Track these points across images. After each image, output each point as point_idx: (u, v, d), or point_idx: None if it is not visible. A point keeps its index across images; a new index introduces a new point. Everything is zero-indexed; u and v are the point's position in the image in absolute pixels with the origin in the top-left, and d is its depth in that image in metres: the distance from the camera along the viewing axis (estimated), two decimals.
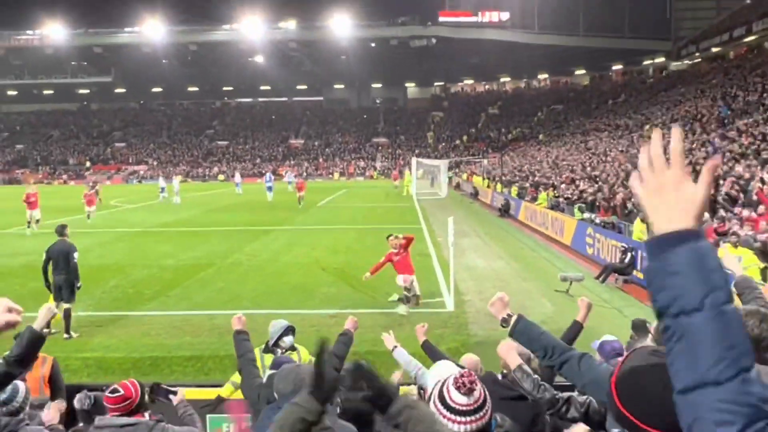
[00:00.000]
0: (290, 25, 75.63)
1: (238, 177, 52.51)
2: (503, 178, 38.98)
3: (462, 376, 2.05)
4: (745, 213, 12.16)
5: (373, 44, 77.27)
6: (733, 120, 27.00)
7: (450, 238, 11.22)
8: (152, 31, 72.63)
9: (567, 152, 43.81)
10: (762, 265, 10.03)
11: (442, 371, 3.70)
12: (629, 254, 13.87)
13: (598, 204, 19.88)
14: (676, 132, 1.12)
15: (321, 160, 78.89)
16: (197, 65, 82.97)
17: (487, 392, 2.08)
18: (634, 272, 13.71)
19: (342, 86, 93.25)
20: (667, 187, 1.10)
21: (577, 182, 25.65)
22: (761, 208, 12.46)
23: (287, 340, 5.60)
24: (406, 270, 11.66)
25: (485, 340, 9.50)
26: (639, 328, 6.14)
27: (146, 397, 3.75)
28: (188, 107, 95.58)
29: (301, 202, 33.14)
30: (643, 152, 1.16)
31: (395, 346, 5.22)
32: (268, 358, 5.20)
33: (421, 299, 11.85)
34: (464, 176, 52.50)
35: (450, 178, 47.92)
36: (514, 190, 31.80)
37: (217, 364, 8.64)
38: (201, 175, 74.16)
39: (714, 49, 55.32)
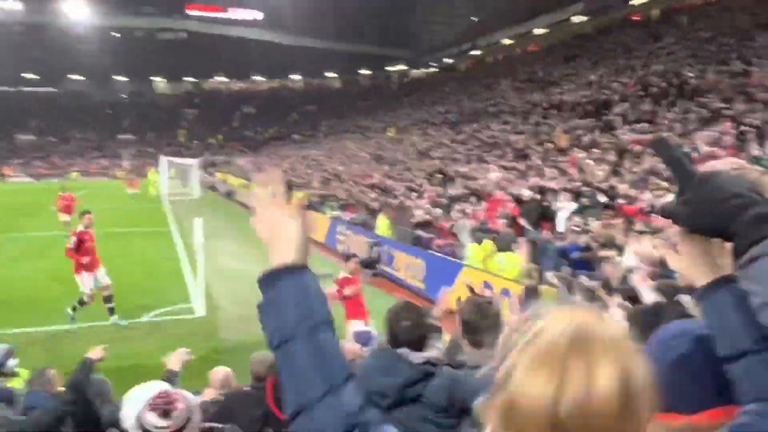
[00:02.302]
0: (16, 5, 66.95)
1: None
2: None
3: (158, 397, 1.88)
4: (471, 208, 13.60)
5: (115, 34, 71.78)
6: (462, 124, 30.17)
7: (198, 240, 10.76)
8: None
9: (320, 152, 45.15)
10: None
11: (138, 393, 3.43)
12: (376, 249, 14.68)
13: (345, 202, 20.76)
14: (268, 175, 1.23)
15: (57, 158, 70.86)
16: None
17: (192, 412, 1.93)
18: (380, 266, 14.56)
19: (81, 77, 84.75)
20: (273, 226, 1.18)
21: (328, 181, 26.52)
22: (484, 204, 14.07)
23: (12, 363, 5.09)
24: (361, 312, 8.46)
25: (238, 346, 9.26)
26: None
27: None
28: None
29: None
30: (250, 197, 1.24)
31: None
32: None
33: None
34: (219, 176, 51.20)
35: (203, 178, 46.26)
36: None
37: None
38: None
39: (447, 60, 61.44)
